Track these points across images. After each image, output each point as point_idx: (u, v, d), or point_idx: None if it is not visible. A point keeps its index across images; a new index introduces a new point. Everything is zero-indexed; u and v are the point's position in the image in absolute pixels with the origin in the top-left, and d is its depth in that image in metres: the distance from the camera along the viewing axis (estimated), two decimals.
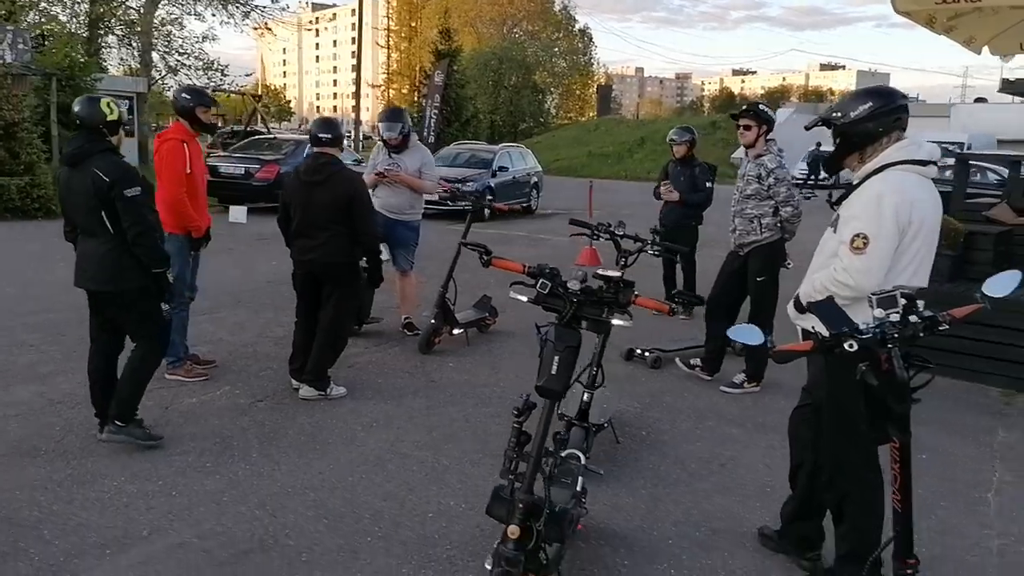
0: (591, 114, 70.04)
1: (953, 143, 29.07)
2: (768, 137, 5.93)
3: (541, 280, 2.89)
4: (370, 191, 7.19)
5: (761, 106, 6.00)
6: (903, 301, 2.47)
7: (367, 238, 5.25)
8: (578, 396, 4.45)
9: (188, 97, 5.60)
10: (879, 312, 2.45)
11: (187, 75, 30.24)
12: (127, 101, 27.71)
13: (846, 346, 2.38)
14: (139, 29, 30.35)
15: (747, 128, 5.85)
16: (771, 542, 3.72)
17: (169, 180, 5.44)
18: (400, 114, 7.23)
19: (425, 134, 28.81)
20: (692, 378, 6.30)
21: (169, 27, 31.25)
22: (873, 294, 2.49)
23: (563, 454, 3.74)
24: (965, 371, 6.56)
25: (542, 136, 55.27)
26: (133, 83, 27.66)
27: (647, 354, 6.64)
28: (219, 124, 26.96)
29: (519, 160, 20.16)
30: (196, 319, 7.30)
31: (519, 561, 2.85)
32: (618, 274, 2.94)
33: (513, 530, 2.82)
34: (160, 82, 31.00)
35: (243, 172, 16.75)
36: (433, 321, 6.72)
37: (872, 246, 2.99)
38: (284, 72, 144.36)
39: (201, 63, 31.37)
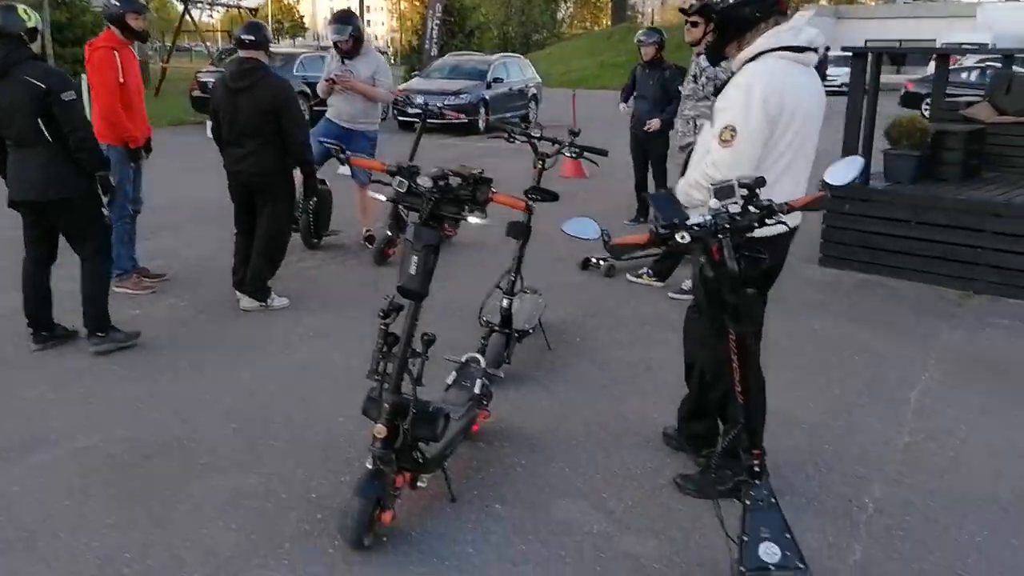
0: (606, 22, 68.32)
1: (976, 44, 28.18)
2: None
3: (398, 178, 2.85)
4: (325, 100, 7.14)
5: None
6: (742, 191, 2.41)
7: (297, 147, 5.19)
8: (499, 302, 4.47)
9: (117, 4, 5.47)
10: (714, 202, 2.40)
11: None
12: None
13: (678, 237, 2.33)
14: None
15: (694, 24, 5.67)
16: (672, 441, 3.75)
17: (101, 90, 5.38)
18: (350, 17, 7.04)
19: (427, 46, 28.26)
20: (646, 287, 6.27)
21: None
22: (712, 184, 2.43)
23: (464, 358, 3.77)
24: (922, 273, 6.50)
25: (554, 47, 54.10)
26: None
27: (601, 263, 6.60)
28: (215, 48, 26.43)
29: (516, 71, 19.80)
30: (158, 233, 7.38)
31: (390, 460, 2.90)
32: (476, 171, 2.89)
33: (379, 430, 2.86)
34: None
35: None
36: (388, 233, 6.71)
37: (739, 138, 2.90)
38: None
39: None
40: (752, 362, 2.59)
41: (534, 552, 2.96)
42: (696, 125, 5.68)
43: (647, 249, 2.44)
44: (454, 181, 2.83)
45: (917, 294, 6.23)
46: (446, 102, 17.34)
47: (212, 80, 17.01)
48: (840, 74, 31.50)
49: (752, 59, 2.99)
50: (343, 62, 6.98)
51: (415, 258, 2.80)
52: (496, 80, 18.60)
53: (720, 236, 2.35)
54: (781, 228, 2.52)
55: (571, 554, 2.96)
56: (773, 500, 2.57)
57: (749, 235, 2.55)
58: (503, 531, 3.08)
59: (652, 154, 8.35)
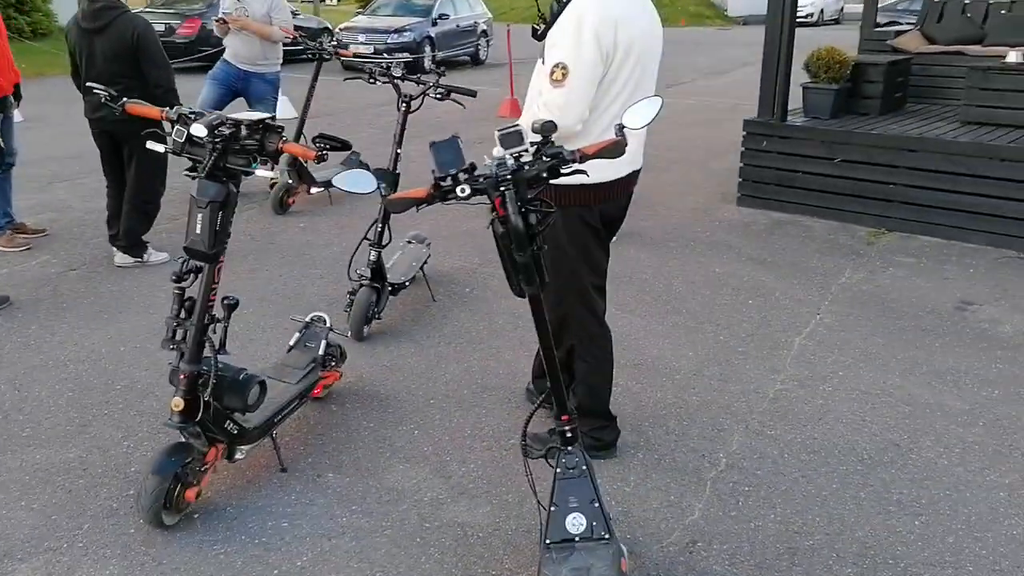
0: None
1: None
2: None
3: (176, 127, 2.60)
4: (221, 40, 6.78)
5: None
6: (535, 136, 2.19)
7: (160, 90, 4.86)
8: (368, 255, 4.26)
9: None
10: (498, 151, 2.18)
11: None
12: None
13: (458, 191, 2.11)
14: None
15: None
16: (533, 397, 3.60)
17: None
18: None
19: None
20: None
21: None
22: (498, 130, 2.20)
23: (308, 317, 3.57)
24: (837, 211, 6.34)
25: None
26: None
27: None
28: None
29: (464, 7, 19.19)
30: (54, 185, 7.06)
31: (197, 433, 2.72)
32: (263, 116, 2.64)
33: (176, 402, 2.66)
34: None
35: (164, 28, 15.93)
36: (288, 180, 6.44)
37: (571, 76, 2.66)
38: None
39: None
40: (546, 326, 2.38)
41: (353, 524, 2.81)
42: None
43: (429, 203, 2.21)
44: (238, 129, 2.57)
45: (830, 233, 6.08)
46: (389, 40, 16.92)
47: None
48: (807, 3, 31.04)
49: None
50: None
51: (199, 215, 2.57)
52: (442, 16, 18.04)
53: (503, 188, 2.12)
54: (582, 178, 2.32)
55: (393, 524, 2.81)
56: (584, 468, 2.42)
57: (577, 183, 2.36)
58: (326, 502, 2.92)
59: None
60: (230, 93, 6.81)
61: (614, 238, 3.17)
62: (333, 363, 3.51)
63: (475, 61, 19.17)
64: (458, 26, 18.52)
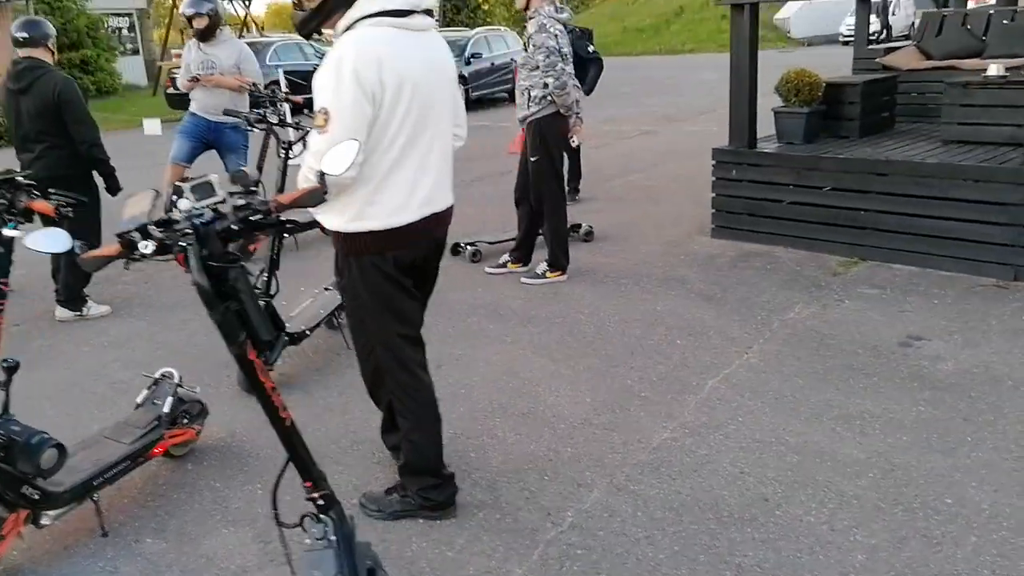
0: None
1: None
2: None
3: None
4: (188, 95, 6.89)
5: None
6: (231, 188, 2.07)
7: (86, 147, 4.93)
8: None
9: None
10: (185, 203, 2.05)
11: None
12: (127, 18, 27.55)
13: (141, 247, 2.00)
14: None
15: None
16: (397, 454, 3.45)
17: None
18: None
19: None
20: (511, 274, 5.89)
21: None
22: (185, 180, 2.08)
23: (157, 374, 3.51)
24: (809, 240, 6.02)
25: (581, 14, 53.04)
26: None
27: (469, 247, 6.27)
28: None
29: (500, 45, 19.31)
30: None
31: None
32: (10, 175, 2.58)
33: None
34: None
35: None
36: None
37: (333, 121, 2.52)
38: None
39: None
40: (264, 389, 2.21)
41: None
42: (531, 97, 5.31)
43: (123, 259, 2.08)
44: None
45: (797, 264, 5.77)
46: None
47: None
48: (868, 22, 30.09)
49: (348, 29, 2.62)
50: (201, 50, 6.72)
51: None
52: (475, 55, 18.21)
53: (185, 244, 2.00)
54: (369, 224, 2.17)
55: None
56: (333, 539, 2.26)
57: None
58: (132, 570, 2.82)
59: None
60: (201, 145, 6.88)
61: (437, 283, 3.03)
62: (186, 420, 3.43)
63: (512, 98, 19.22)
64: (492, 64, 18.63)
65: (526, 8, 5.30)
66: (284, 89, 10.79)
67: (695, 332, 4.67)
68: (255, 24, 30.20)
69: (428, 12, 2.68)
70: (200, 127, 6.85)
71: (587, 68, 7.70)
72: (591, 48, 7.82)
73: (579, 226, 6.67)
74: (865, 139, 6.45)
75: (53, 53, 5.06)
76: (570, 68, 5.32)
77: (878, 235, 5.70)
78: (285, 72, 17.21)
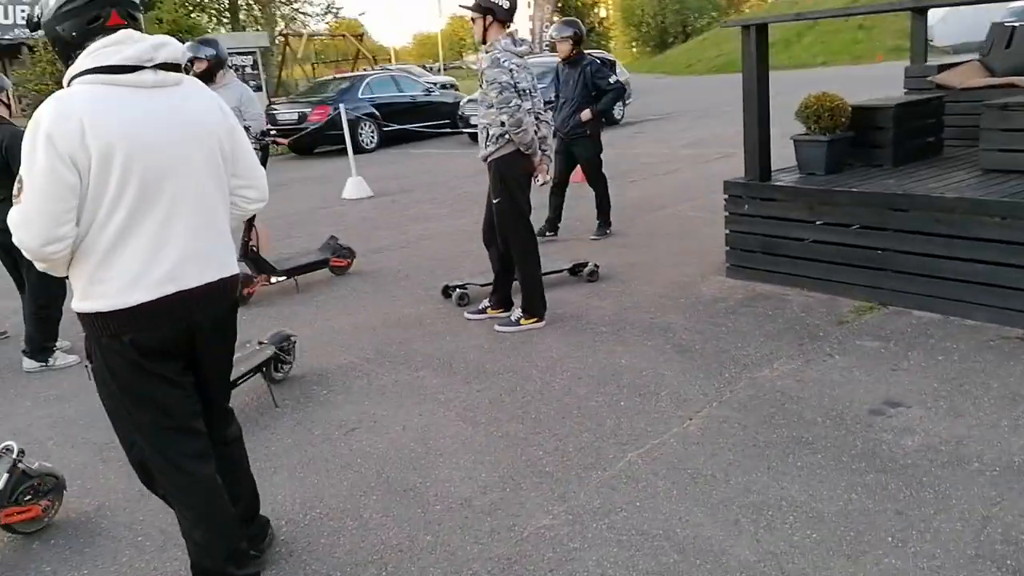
0: None
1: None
2: (510, 30, 5.05)
3: None
4: None
5: None
6: None
7: None
8: None
9: None
10: None
11: (304, 22, 30.95)
12: (251, 56, 28.91)
13: None
14: None
15: (473, 20, 5.01)
16: None
17: None
18: (213, 41, 6.73)
19: (537, 50, 27.91)
20: (481, 320, 5.57)
21: None
22: None
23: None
24: (824, 282, 5.41)
25: (710, 32, 51.91)
26: (255, 38, 28.72)
27: (457, 290, 5.98)
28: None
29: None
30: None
31: None
32: None
33: None
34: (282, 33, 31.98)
35: (296, 117, 16.99)
36: (249, 272, 6.45)
37: (26, 190, 2.25)
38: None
39: (321, 9, 32.04)
40: None
41: None
42: (488, 135, 5.00)
43: None
44: None
45: (804, 310, 5.17)
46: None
47: (287, 113, 17.57)
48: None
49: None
50: None
51: None
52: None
53: None
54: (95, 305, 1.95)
55: None
56: None
57: None
58: None
59: (580, 158, 7.61)
60: None
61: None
62: (29, 497, 3.28)
63: (611, 121, 18.84)
64: None
65: (483, 41, 5.00)
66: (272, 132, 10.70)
67: (646, 392, 4.20)
68: (369, 57, 31.18)
69: (169, 67, 2.43)
70: None
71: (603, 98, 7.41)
72: (613, 79, 7.45)
73: (583, 265, 6.28)
74: (900, 168, 5.75)
75: (7, 105, 5.14)
76: (530, 103, 4.98)
77: (898, 278, 5.03)
78: (375, 105, 17.60)
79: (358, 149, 16.71)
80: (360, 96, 17.71)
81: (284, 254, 7.41)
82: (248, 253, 6.39)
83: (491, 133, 4.96)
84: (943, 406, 3.75)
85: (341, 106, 13.06)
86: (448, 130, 18.07)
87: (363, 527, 3.23)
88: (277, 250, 7.54)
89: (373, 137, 17.56)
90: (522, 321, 5.25)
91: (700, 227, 7.67)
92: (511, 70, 4.84)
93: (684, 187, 9.85)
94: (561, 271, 6.29)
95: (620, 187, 9.24)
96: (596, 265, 6.32)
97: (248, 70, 28.54)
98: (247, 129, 6.50)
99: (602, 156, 7.71)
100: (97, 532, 3.37)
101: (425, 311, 5.90)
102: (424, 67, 39.55)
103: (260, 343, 4.64)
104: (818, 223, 5.40)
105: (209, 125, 2.53)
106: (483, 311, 5.58)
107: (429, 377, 4.67)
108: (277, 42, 29.76)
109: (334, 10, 31.95)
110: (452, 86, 30.87)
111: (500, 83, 4.81)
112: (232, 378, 4.14)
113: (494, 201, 5.11)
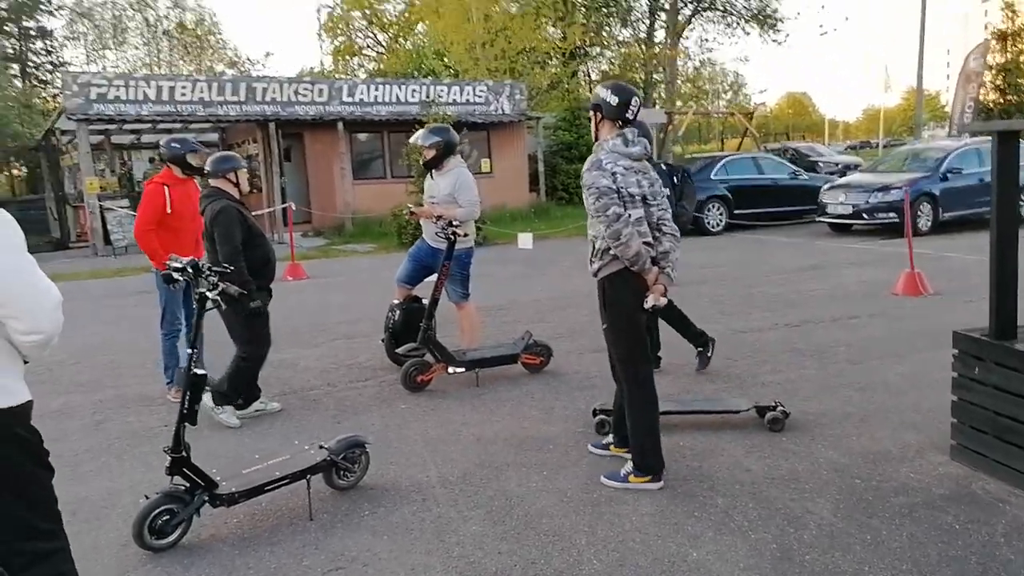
0: None
1: None
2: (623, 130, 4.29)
3: None
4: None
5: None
6: None
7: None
8: None
9: (178, 146, 6.30)
10: None
11: (704, 101, 30.83)
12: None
13: None
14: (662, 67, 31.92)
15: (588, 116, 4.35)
16: None
17: (138, 218, 6.26)
18: (445, 129, 6.79)
19: (954, 122, 24.99)
20: (609, 457, 4.75)
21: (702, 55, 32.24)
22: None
23: None
24: None
25: None
26: (655, 114, 29.32)
27: (600, 415, 5.19)
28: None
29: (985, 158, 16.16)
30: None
31: None
32: None
33: None
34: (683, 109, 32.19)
35: None
36: (426, 357, 6.33)
37: None
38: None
39: (727, 85, 31.80)
40: None
41: None
42: (594, 249, 4.32)
43: None
44: None
45: (1019, 529, 3.62)
46: (869, 200, 15.18)
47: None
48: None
49: None
50: (431, 177, 6.86)
51: None
52: (953, 171, 15.51)
53: None
54: None
55: None
56: None
57: None
58: None
59: None
60: (422, 268, 6.96)
61: None
62: None
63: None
64: (981, 180, 15.60)
65: (596, 139, 4.30)
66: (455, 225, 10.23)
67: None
68: (755, 135, 30.07)
69: None
70: (423, 252, 6.96)
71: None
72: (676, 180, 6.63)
73: (767, 409, 5.10)
74: None
75: (235, 184, 5.80)
76: (641, 212, 4.15)
77: None
78: (729, 188, 16.88)
79: (702, 231, 16.09)
80: (712, 177, 17.08)
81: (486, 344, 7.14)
82: (425, 337, 6.24)
83: (597, 247, 4.22)
84: None
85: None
86: (805, 219, 16.91)
87: None
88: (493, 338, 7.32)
89: (721, 219, 16.83)
90: (631, 478, 4.34)
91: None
92: (615, 174, 4.09)
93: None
94: (739, 412, 5.18)
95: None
96: (785, 412, 5.10)
97: None
98: (439, 219, 6.43)
99: None
100: None
101: (557, 433, 5.22)
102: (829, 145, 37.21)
103: (321, 446, 4.39)
104: None
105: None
106: (606, 447, 4.78)
107: (476, 521, 4.04)
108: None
109: (739, 86, 31.41)
110: (856, 167, 28.57)
111: (598, 188, 4.09)
112: (261, 482, 3.99)
113: (603, 327, 4.34)
